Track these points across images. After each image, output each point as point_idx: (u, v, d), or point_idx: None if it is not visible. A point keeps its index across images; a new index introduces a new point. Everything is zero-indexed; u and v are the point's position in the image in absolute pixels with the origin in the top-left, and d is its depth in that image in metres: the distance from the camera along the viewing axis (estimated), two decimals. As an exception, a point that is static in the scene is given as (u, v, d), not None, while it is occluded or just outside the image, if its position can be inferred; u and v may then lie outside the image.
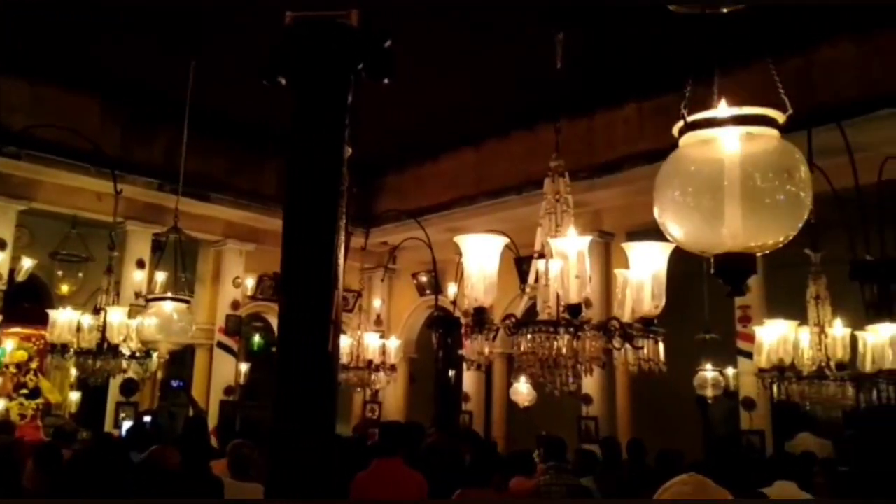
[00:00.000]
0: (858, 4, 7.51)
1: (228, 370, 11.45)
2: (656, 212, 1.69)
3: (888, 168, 6.35)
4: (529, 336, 3.55)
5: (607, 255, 9.47)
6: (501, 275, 3.54)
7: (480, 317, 3.58)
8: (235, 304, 11.61)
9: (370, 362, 7.86)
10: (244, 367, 12.09)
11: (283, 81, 2.92)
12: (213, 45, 7.81)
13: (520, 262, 6.71)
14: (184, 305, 6.59)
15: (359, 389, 9.24)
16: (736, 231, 1.60)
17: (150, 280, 9.27)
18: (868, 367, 5.09)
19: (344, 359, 7.89)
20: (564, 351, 3.42)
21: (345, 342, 7.91)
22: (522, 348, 3.71)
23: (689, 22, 2.09)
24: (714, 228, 1.62)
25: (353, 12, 2.92)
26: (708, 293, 8.58)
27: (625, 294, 3.75)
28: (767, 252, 1.65)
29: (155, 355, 6.92)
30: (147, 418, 9.39)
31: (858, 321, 5.50)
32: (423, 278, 12.02)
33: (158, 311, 6.42)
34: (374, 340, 8.10)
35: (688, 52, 2.03)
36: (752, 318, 8.44)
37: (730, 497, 1.66)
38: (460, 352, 4.35)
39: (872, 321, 5.43)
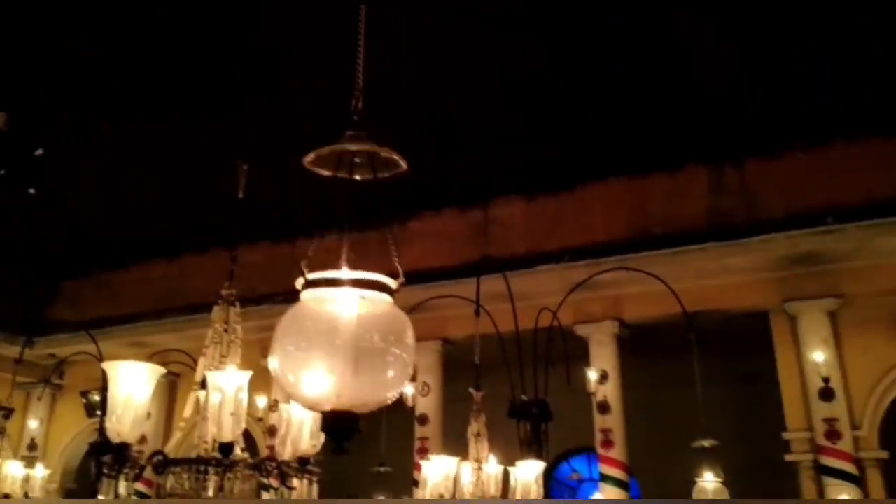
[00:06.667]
0: (527, 168, 8.70)
1: None
2: (271, 361, 1.69)
3: (543, 317, 7.20)
4: (175, 475, 3.30)
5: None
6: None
7: (122, 454, 3.26)
8: None
9: (6, 496, 6.73)
10: None
11: None
12: None
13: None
14: None
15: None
16: (343, 390, 1.65)
17: None
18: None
19: (-27, 492, 6.71)
20: (211, 493, 3.23)
21: (-24, 472, 6.75)
22: (168, 488, 3.43)
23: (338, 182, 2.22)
24: (323, 385, 1.66)
25: (1, 115, 2.68)
26: (386, 426, 8.79)
27: (287, 430, 3.69)
28: (368, 411, 1.71)
29: None
30: None
31: (512, 455, 5.96)
32: (95, 397, 10.83)
33: None
34: (16, 469, 6.99)
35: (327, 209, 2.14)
36: (429, 448, 8.77)
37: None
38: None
39: (524, 456, 5.92)
